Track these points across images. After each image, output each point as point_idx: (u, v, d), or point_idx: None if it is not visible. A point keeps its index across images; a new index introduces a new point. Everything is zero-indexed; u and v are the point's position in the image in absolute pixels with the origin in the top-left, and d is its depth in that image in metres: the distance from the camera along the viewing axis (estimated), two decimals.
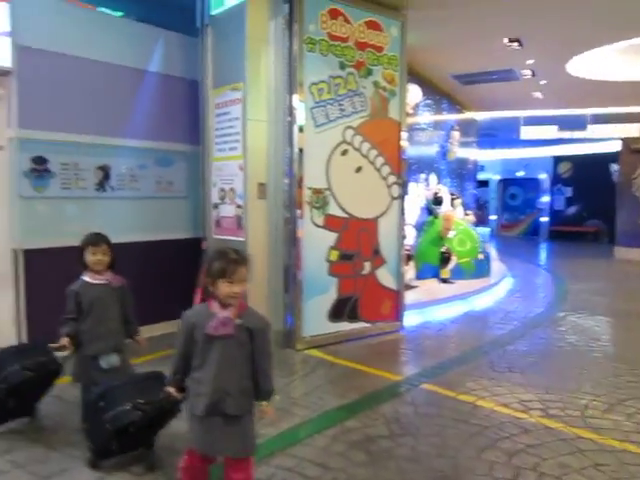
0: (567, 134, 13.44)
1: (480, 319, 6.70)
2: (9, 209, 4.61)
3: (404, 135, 5.79)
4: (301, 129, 5.02)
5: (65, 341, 3.01)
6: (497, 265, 9.90)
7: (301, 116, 5.02)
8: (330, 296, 5.31)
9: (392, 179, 5.68)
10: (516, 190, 20.05)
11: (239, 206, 5.21)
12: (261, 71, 5.18)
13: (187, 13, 5.56)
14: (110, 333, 3.14)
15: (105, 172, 5.14)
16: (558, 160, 18.31)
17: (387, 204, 5.67)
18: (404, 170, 5.84)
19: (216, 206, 5.49)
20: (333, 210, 5.27)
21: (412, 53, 6.34)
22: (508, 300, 7.85)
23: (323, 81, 5.15)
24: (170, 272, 5.53)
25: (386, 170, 5.62)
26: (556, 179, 18.64)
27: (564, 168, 18.38)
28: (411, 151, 7.69)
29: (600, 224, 17.17)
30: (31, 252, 4.64)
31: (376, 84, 5.52)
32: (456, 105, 11.83)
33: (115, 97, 5.21)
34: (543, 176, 18.90)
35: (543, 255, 15.30)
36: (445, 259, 8.30)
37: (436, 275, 8.33)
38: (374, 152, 5.51)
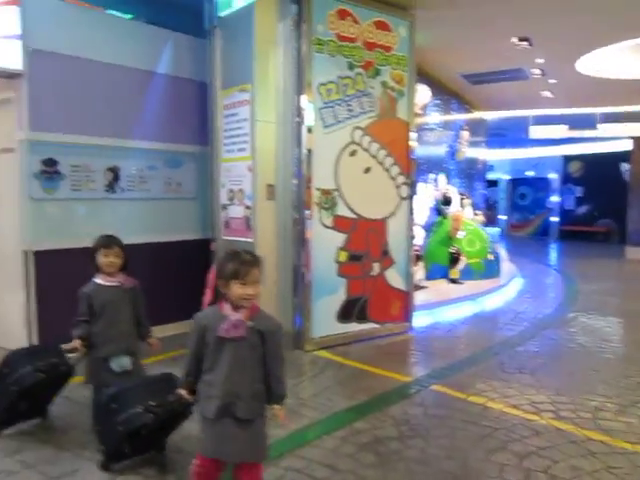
0: (577, 133, 13.33)
1: (490, 320, 6.66)
2: (20, 211, 4.65)
3: (413, 135, 5.77)
4: (310, 130, 5.02)
5: (77, 343, 3.01)
6: (507, 265, 9.85)
7: (310, 117, 5.01)
8: (339, 297, 5.30)
9: (401, 179, 5.67)
10: (526, 190, 19.93)
11: (248, 207, 5.21)
12: (269, 72, 5.19)
13: (195, 15, 5.58)
14: (122, 335, 3.14)
15: (115, 173, 5.17)
16: (568, 159, 18.18)
17: (396, 204, 5.66)
18: (413, 170, 5.83)
19: (225, 207, 5.50)
20: (342, 211, 5.26)
21: (421, 53, 6.32)
22: (518, 301, 7.80)
23: (331, 82, 5.15)
24: (179, 273, 5.55)
25: (395, 170, 5.61)
26: (566, 178, 18.51)
27: (574, 167, 18.25)
28: (420, 151, 7.67)
29: (611, 224, 17.03)
30: (41, 253, 4.68)
31: (384, 84, 5.50)
32: (465, 105, 11.77)
33: (124, 99, 5.24)
34: (553, 176, 18.79)
35: (553, 255, 15.20)
36: (454, 259, 8.27)
37: (445, 276, 8.30)
38: (383, 152, 5.50)
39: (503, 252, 10.48)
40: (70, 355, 3.22)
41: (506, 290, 8.21)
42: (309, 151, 5.03)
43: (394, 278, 5.68)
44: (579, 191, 18.22)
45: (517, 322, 6.40)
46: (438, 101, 10.08)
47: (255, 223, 5.15)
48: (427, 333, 5.87)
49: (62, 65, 4.77)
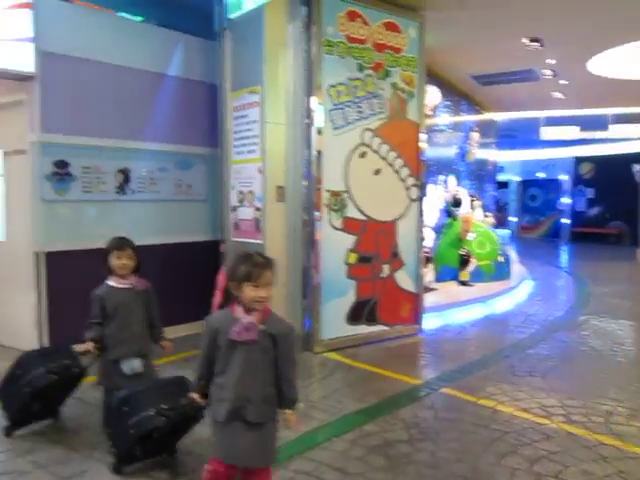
0: (588, 134, 13.23)
1: (500, 322, 6.63)
2: (31, 212, 4.68)
3: (423, 137, 5.75)
4: (319, 131, 5.02)
5: (89, 345, 3.02)
6: (517, 268, 9.79)
7: (319, 118, 5.01)
8: (348, 299, 5.29)
9: (411, 181, 5.65)
10: (536, 191, 19.81)
11: (257, 209, 5.22)
12: (279, 74, 5.20)
13: (205, 17, 5.60)
14: (134, 338, 3.13)
15: (125, 175, 5.20)
16: (579, 161, 18.06)
17: (406, 206, 5.64)
18: (423, 172, 5.81)
19: (234, 209, 5.51)
20: (351, 213, 5.25)
21: (431, 54, 6.31)
22: (529, 303, 7.75)
23: (341, 83, 5.15)
24: (189, 274, 5.56)
25: (405, 172, 5.59)
26: (577, 180, 18.39)
27: (586, 169, 18.13)
28: (430, 152, 7.65)
29: (622, 226, 16.89)
30: (53, 255, 4.71)
31: (394, 86, 5.49)
32: (475, 106, 11.73)
33: (135, 101, 5.26)
34: (564, 177, 18.66)
35: (564, 257, 15.10)
36: (464, 261, 8.24)
37: (455, 277, 8.27)
38: (393, 154, 5.49)
39: (513, 254, 10.43)
40: (82, 357, 3.23)
41: (516, 292, 8.17)
42: (319, 153, 5.03)
43: (404, 280, 5.66)
44: (590, 193, 18.09)
45: (528, 325, 6.36)
46: (448, 102, 10.06)
47: (265, 225, 5.16)
48: (437, 335, 5.85)
49: (73, 67, 4.80)
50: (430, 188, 8.59)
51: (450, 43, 7.49)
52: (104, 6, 5.32)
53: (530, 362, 4.86)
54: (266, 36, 5.08)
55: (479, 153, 12.01)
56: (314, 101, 5.00)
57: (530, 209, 20.01)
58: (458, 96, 10.60)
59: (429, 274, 7.44)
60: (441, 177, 9.76)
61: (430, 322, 6.07)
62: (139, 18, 5.67)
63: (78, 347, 3.09)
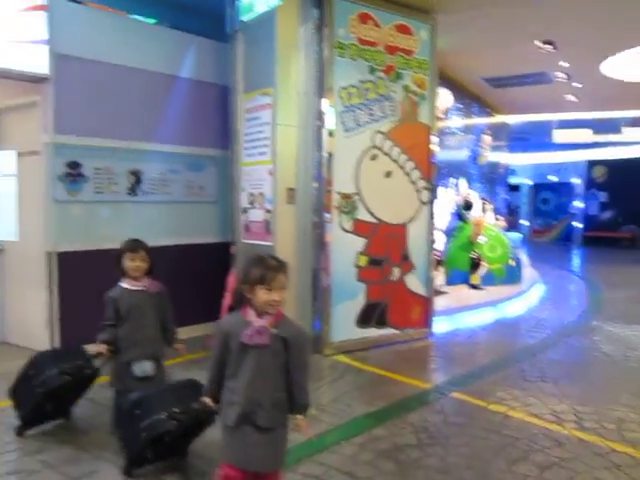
0: (601, 137, 13.13)
1: (511, 326, 6.58)
2: (44, 212, 4.72)
3: (434, 139, 5.73)
4: (331, 133, 5.02)
5: (102, 348, 3.03)
6: (529, 271, 9.71)
7: (330, 120, 5.01)
8: (358, 302, 5.28)
9: (422, 184, 5.63)
10: (548, 195, 19.68)
11: (268, 211, 5.22)
12: (291, 76, 5.20)
13: (218, 19, 5.61)
14: (147, 340, 3.14)
15: (137, 177, 5.22)
16: (592, 164, 17.91)
17: (416, 209, 5.62)
18: (434, 175, 5.79)
19: (245, 211, 5.52)
20: (362, 215, 5.24)
21: (442, 56, 6.27)
22: (540, 307, 7.69)
23: (353, 85, 5.14)
24: (199, 276, 5.58)
25: (416, 175, 5.57)
26: (590, 183, 18.23)
27: (598, 172, 17.97)
28: (441, 155, 7.61)
29: (636, 229, 16.74)
30: (64, 255, 4.74)
31: (406, 88, 5.48)
32: (487, 108, 11.68)
33: (148, 103, 5.29)
34: (576, 181, 18.52)
35: (576, 261, 14.97)
36: (475, 265, 8.20)
37: (466, 281, 8.23)
38: (404, 157, 5.47)
39: (525, 258, 10.35)
40: (95, 359, 3.24)
41: (528, 296, 8.09)
42: (330, 155, 5.02)
43: (414, 283, 5.64)
44: (603, 196, 17.93)
45: (539, 329, 6.30)
46: (460, 105, 10.02)
47: (275, 227, 5.16)
48: (447, 339, 5.81)
49: (87, 69, 4.84)
50: (441, 191, 8.54)
51: (462, 45, 7.46)
52: (117, 8, 5.36)
53: (541, 367, 4.81)
54: (278, 38, 5.08)
55: (491, 156, 11.95)
56: (325, 103, 5.00)
57: (542, 212, 19.88)
58: (470, 99, 10.56)
59: (440, 277, 7.41)
60: (452, 180, 9.72)
61: (440, 326, 6.03)
62: (152, 20, 5.70)
63: (91, 348, 3.10)
